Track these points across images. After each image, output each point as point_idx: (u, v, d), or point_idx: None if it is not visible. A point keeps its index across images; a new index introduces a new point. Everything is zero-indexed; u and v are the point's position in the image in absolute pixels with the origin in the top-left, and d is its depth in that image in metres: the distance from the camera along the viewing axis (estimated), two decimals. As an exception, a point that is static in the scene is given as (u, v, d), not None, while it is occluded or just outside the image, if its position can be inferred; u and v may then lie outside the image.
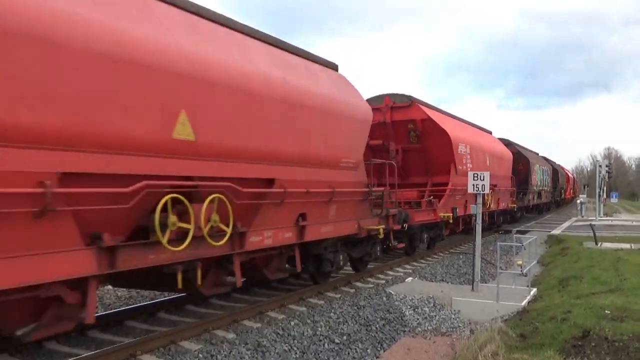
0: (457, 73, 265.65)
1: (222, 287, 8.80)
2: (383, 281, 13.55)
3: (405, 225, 14.60)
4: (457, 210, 18.45)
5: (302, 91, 9.73)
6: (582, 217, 39.80)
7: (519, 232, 26.74)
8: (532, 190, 34.21)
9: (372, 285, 12.88)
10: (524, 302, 11.42)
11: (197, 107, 7.31)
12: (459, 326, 10.87)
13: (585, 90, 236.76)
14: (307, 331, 9.10)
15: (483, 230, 24.32)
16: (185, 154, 7.19)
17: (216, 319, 9.01)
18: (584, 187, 61.70)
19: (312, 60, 11.19)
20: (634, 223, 32.97)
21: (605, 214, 43.49)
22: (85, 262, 6.10)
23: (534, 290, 12.63)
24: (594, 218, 35.18)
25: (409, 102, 17.64)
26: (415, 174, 18.27)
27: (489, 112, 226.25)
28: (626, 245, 19.90)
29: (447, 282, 14.35)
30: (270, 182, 9.00)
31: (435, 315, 11.23)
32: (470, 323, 11.06)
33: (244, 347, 8.02)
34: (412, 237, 16.71)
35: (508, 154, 26.71)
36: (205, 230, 7.54)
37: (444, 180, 17.88)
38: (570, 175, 70.70)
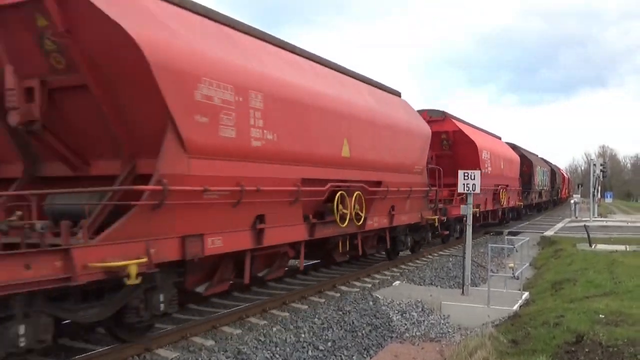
0: (447, 68, 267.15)
1: (346, 255, 13.72)
2: (369, 285, 13.57)
3: (445, 217, 18.48)
4: (481, 206, 23.15)
5: (394, 118, 14.73)
6: (576, 217, 40.14)
7: (510, 233, 26.90)
8: (534, 190, 38.88)
9: (357, 289, 12.90)
10: (516, 307, 11.50)
11: (351, 135, 12.08)
12: (449, 331, 10.91)
13: (580, 86, 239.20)
14: (290, 337, 9.08)
15: (493, 225, 29.96)
16: (345, 166, 11.94)
17: (194, 325, 8.97)
18: (578, 187, 62.43)
19: (389, 92, 16.01)
20: (629, 224, 33.32)
21: (600, 215, 43.88)
22: (301, 232, 10.62)
23: (526, 294, 12.71)
24: (588, 219, 35.50)
25: (443, 117, 22.20)
26: (447, 176, 20.04)
27: (481, 108, 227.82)
28: (621, 247, 20.11)
29: (436, 286, 14.40)
30: (378, 184, 13.62)
31: (423, 320, 11.26)
32: (460, 328, 11.11)
33: (223, 354, 8.00)
34: (448, 227, 20.68)
35: (516, 157, 31.89)
36: (353, 215, 12.17)
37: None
38: (565, 175, 75.24)
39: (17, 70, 7.29)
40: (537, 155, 45.20)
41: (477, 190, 12.66)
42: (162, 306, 7.51)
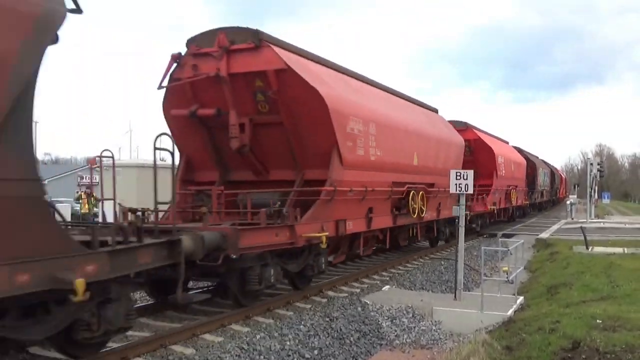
0: (439, 62, 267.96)
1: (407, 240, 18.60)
2: (358, 290, 13.58)
3: (468, 213, 20.77)
4: (497, 204, 27.94)
5: (439, 132, 19.81)
6: (572, 219, 40.40)
7: (505, 235, 27.04)
8: (537, 190, 44.45)
9: (345, 295, 12.90)
10: (510, 312, 11.56)
11: (418, 148, 17.14)
12: (441, 338, 10.94)
13: (576, 82, 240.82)
14: (275, 345, 9.06)
15: (505, 222, 33.66)
16: (414, 172, 16.81)
17: (173, 333, 8.91)
18: (574, 187, 62.79)
19: (431, 110, 21.23)
20: (627, 225, 33.61)
21: (597, 216, 44.18)
22: (390, 221, 15.65)
23: (520, 299, 12.78)
24: (585, 220, 35.75)
25: (465, 127, 26.96)
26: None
27: (474, 104, 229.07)
28: (619, 250, 20.27)
29: (428, 291, 14.45)
30: (432, 185, 18.23)
31: (414, 327, 11.28)
32: (452, 335, 11.14)
33: (204, 363, 7.95)
34: (471, 222, 24.12)
35: (523, 160, 37.48)
36: (418, 209, 16.81)
37: (489, 182, 27.44)
38: (562, 175, 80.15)
39: (237, 112, 12.10)
40: (537, 157, 49.86)
41: (470, 190, 12.72)
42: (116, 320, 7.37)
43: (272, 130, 12.24)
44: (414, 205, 16.60)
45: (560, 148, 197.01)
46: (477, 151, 27.52)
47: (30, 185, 5.93)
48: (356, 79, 15.12)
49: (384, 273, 16.17)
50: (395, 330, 11.02)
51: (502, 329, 10.32)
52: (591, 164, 40.86)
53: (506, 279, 13.48)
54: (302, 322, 10.29)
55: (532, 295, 13.74)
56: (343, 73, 14.52)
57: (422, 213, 17.27)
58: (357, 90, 14.49)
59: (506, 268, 14.32)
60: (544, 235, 27.18)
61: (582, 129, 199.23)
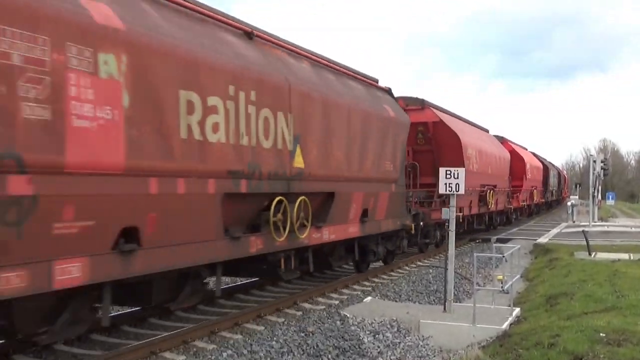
0: (426, 49, 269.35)
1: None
2: (336, 301, 13.56)
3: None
4: (527, 200, 28.65)
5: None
6: (574, 222, 40.72)
7: (499, 240, 27.17)
8: (549, 190, 54.61)
9: (322, 307, 12.88)
10: (505, 325, 11.61)
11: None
12: (428, 355, 10.95)
13: (577, 71, 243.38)
14: (243, 364, 8.98)
15: (526, 216, 37.94)
16: None
17: (130, 350, 8.81)
18: (576, 187, 63.29)
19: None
20: (634, 229, 33.95)
21: (601, 219, 44.59)
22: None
23: (516, 310, 12.83)
24: (587, 223, 36.03)
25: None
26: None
27: (465, 94, 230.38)
28: (624, 256, 20.50)
29: (414, 302, 14.47)
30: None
31: (399, 342, 11.28)
32: (441, 351, 11.16)
33: (163, 385, 7.87)
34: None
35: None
36: None
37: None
38: (566, 175, 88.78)
39: (410, 146, 21.07)
40: (546, 160, 57.03)
41: (461, 191, 12.67)
42: None
43: (425, 155, 22.22)
44: None
45: (561, 143, 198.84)
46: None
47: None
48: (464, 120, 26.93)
49: (365, 283, 16.16)
50: (379, 347, 11.00)
51: (497, 344, 10.36)
52: (594, 162, 40.88)
53: (501, 289, 13.51)
54: (275, 338, 10.24)
55: (530, 306, 13.81)
56: (459, 118, 26.05)
57: None
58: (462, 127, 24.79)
59: (501, 276, 14.34)
60: (543, 239, 27.42)
61: (584, 122, 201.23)
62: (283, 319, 11.63)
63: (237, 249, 10.21)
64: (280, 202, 11.19)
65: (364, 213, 15.06)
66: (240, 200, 10.23)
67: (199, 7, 10.05)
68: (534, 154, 49.86)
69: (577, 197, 50.65)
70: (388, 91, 18.05)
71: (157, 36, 8.28)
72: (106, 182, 7.38)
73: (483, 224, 31.08)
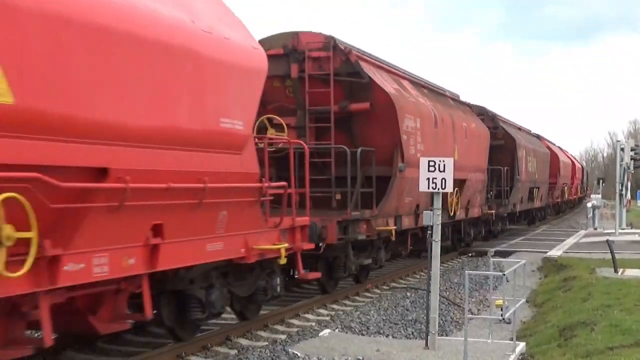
0: (410, 4, 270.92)
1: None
2: (283, 336, 13.52)
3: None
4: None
5: None
6: (595, 229, 41.11)
7: (499, 254, 27.38)
8: (576, 184, 71.58)
9: (264, 343, 12.82)
10: (506, 366, 11.61)
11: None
12: (405, 407, 10.90)
13: (600, 31, 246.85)
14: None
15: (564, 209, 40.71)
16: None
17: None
18: (598, 183, 63.67)
19: None
20: (672, 238, 34.27)
21: (630, 224, 44.96)
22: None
23: (521, 346, 12.87)
24: (613, 231, 36.39)
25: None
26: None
27: (456, 61, 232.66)
28: (661, 274, 20.73)
29: (387, 336, 14.44)
30: None
31: (367, 390, 11.22)
32: (422, 401, 11.12)
33: None
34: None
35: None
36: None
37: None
38: (584, 168, 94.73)
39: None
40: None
41: (449, 188, 12.61)
42: None
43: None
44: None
45: (580, 126, 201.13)
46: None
47: None
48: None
49: (321, 310, 16.11)
50: (339, 397, 10.94)
51: (495, 391, 10.33)
52: (622, 150, 41.09)
53: (500, 318, 13.53)
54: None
55: (538, 340, 13.87)
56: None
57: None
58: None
59: (500, 301, 14.38)
60: (555, 252, 27.71)
61: (609, 98, 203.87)
62: (211, 361, 11.54)
63: None
64: None
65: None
66: None
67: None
68: (572, 156, 62.09)
69: (599, 196, 50.84)
70: None
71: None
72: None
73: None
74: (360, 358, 11.93)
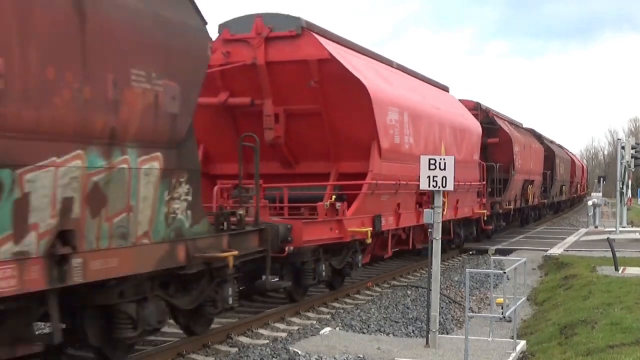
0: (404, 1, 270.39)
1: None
2: (283, 334, 13.55)
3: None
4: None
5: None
6: (596, 227, 41.14)
7: (499, 252, 27.39)
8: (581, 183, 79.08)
9: (265, 341, 12.85)
10: (507, 363, 11.63)
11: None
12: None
13: (600, 30, 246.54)
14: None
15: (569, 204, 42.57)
16: None
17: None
18: (599, 181, 63.72)
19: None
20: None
21: (631, 223, 45.03)
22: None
23: (521, 344, 12.92)
24: (614, 229, 36.37)
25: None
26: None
27: (454, 59, 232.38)
28: (661, 271, 20.75)
29: (387, 334, 14.49)
30: None
31: (367, 389, 11.25)
32: (422, 399, 11.15)
33: None
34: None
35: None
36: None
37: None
38: (584, 165, 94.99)
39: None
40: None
41: (450, 187, 12.61)
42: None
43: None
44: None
45: (580, 124, 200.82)
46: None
47: None
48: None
49: (322, 308, 16.17)
50: (340, 395, 10.98)
51: (495, 389, 10.36)
52: (622, 148, 40.95)
53: (501, 316, 13.56)
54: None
55: (539, 338, 13.91)
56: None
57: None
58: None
59: (501, 299, 14.41)
60: (555, 250, 27.74)
61: (609, 96, 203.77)
62: (212, 359, 11.56)
63: None
64: None
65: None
66: None
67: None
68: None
69: (600, 194, 50.80)
70: None
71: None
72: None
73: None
74: (361, 356, 11.96)
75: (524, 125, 46.88)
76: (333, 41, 17.66)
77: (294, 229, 14.57)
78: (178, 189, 10.57)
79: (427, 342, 12.68)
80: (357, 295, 18.12)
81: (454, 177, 12.40)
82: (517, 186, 37.57)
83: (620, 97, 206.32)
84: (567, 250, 27.89)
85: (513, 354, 12.17)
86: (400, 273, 21.83)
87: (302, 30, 16.56)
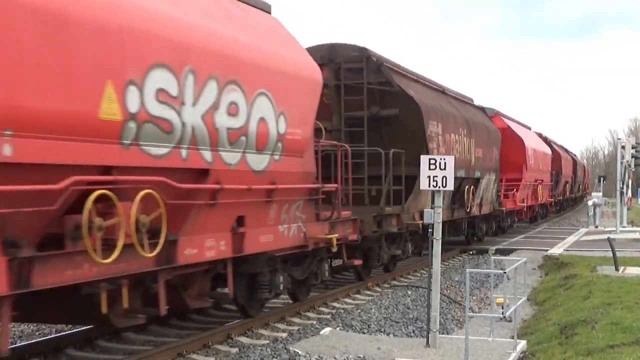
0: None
1: None
2: (284, 334, 13.54)
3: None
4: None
5: None
6: (596, 227, 41.08)
7: (499, 252, 27.41)
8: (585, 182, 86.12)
9: (266, 341, 12.83)
10: (507, 363, 11.66)
11: None
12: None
13: (600, 28, 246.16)
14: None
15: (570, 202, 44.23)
16: None
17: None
18: (599, 181, 63.60)
19: None
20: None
21: (631, 222, 44.89)
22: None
23: (522, 344, 12.92)
24: (614, 229, 36.33)
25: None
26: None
27: (457, 58, 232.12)
28: (662, 271, 20.76)
29: (388, 334, 14.48)
30: None
31: (368, 389, 11.27)
32: (423, 399, 11.17)
33: None
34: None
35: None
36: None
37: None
38: (586, 165, 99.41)
39: None
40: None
41: (450, 187, 12.59)
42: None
43: None
44: None
45: (580, 124, 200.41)
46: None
47: None
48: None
49: (322, 309, 16.16)
50: (340, 395, 11.00)
51: (496, 389, 10.39)
52: (622, 148, 40.83)
53: (501, 316, 13.58)
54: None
55: (539, 338, 13.91)
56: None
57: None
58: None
59: (501, 300, 14.42)
60: (556, 250, 27.73)
61: (610, 96, 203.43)
62: (212, 359, 11.57)
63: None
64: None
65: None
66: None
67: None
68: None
69: (600, 194, 50.69)
70: None
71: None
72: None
73: None
74: (361, 356, 11.96)
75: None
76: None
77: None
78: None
79: (427, 342, 12.68)
80: (357, 295, 18.11)
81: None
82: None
83: (620, 97, 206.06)
84: (567, 250, 27.85)
85: (513, 354, 12.17)
86: (401, 273, 21.83)
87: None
